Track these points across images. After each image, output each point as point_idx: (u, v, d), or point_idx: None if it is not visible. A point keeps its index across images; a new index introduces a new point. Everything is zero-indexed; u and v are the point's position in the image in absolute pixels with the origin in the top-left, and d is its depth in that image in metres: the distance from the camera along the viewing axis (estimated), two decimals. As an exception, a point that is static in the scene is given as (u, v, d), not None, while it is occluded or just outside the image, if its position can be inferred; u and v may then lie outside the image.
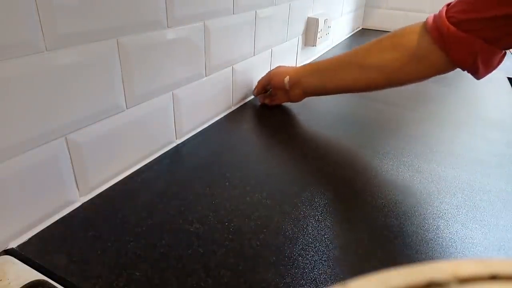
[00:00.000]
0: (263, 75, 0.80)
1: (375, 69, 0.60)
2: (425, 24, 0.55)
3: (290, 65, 1.02)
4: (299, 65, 1.07)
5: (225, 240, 0.42)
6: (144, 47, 0.51)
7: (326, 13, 1.13)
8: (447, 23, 0.51)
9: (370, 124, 0.75)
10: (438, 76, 0.58)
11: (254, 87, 0.83)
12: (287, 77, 0.72)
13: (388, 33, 0.60)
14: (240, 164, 0.58)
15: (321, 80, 0.68)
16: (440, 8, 0.54)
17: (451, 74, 0.90)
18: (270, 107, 0.79)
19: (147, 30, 0.50)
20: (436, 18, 0.53)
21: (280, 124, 0.73)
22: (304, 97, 0.74)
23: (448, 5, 0.52)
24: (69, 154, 0.44)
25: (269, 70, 0.80)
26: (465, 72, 0.54)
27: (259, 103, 0.81)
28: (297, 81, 0.71)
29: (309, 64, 0.71)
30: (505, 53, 0.52)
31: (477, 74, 0.53)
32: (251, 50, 0.79)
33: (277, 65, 0.80)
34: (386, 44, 0.60)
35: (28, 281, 0.35)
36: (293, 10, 0.92)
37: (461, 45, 0.50)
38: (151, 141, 0.58)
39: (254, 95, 0.83)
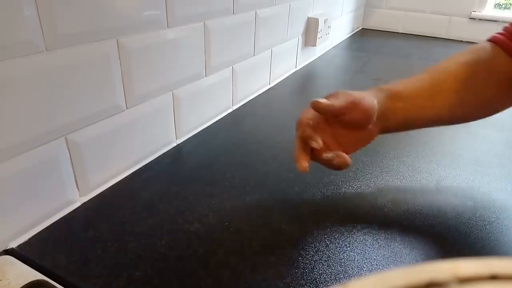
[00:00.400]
0: (263, 75, 0.80)
1: (475, 102, 0.49)
2: (499, 45, 0.47)
3: (285, 68, 1.02)
4: (299, 66, 1.07)
5: (225, 240, 0.42)
6: (144, 47, 0.51)
7: (326, 13, 1.13)
8: None
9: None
10: None
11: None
12: (375, 100, 0.45)
13: (464, 60, 0.49)
14: (240, 164, 0.58)
15: (403, 117, 0.49)
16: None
17: None
18: (274, 107, 0.79)
19: (147, 30, 0.50)
20: (505, 35, 0.47)
21: (280, 124, 0.73)
22: (384, 133, 0.50)
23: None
24: (69, 154, 0.44)
25: (327, 96, 0.47)
26: None
27: (257, 105, 0.81)
28: (378, 116, 0.45)
29: (399, 88, 0.49)
30: None
31: None
32: (251, 50, 0.79)
33: (336, 91, 0.47)
34: (476, 73, 0.48)
35: (28, 281, 0.35)
36: (293, 10, 0.92)
37: None
38: (151, 141, 0.58)
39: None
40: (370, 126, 0.46)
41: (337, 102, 0.44)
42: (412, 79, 0.50)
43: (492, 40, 0.49)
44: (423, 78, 0.50)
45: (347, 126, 0.46)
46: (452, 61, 0.50)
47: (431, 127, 0.52)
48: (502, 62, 0.47)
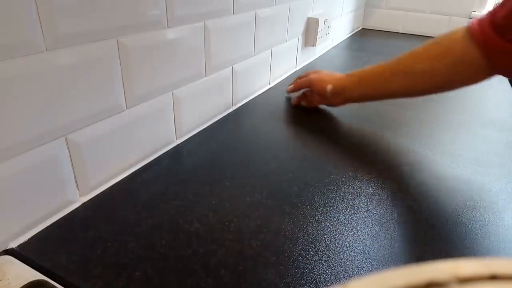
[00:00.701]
0: (263, 75, 0.80)
1: (425, 76, 0.59)
2: (469, 31, 0.53)
3: (285, 68, 1.02)
4: (299, 66, 1.08)
5: (225, 240, 0.42)
6: (144, 47, 0.51)
7: (326, 13, 1.13)
8: (492, 30, 0.49)
9: (370, 124, 0.75)
10: None
11: (289, 84, 0.84)
12: (330, 86, 0.71)
13: (430, 41, 0.60)
14: (240, 164, 0.58)
15: (366, 89, 0.67)
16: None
17: None
18: (274, 108, 0.79)
19: (147, 30, 0.50)
20: (481, 25, 0.51)
21: (280, 124, 0.73)
22: (345, 104, 0.73)
23: (494, 10, 0.50)
24: (69, 154, 0.44)
25: (308, 72, 0.80)
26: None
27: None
28: (340, 90, 0.70)
29: (352, 74, 0.69)
30: None
31: None
32: (251, 50, 0.79)
33: (316, 70, 0.81)
34: (432, 52, 0.59)
35: (28, 281, 0.35)
36: (293, 10, 0.92)
37: (506, 54, 0.49)
38: (151, 141, 0.58)
39: (287, 91, 0.84)
40: (328, 96, 0.72)
41: (301, 82, 0.79)
42: (374, 66, 0.67)
43: (469, 29, 0.54)
44: (382, 65, 0.65)
45: (316, 94, 0.76)
46: (424, 45, 0.60)
47: (389, 99, 0.69)
48: (470, 52, 0.53)
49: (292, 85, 0.83)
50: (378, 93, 0.66)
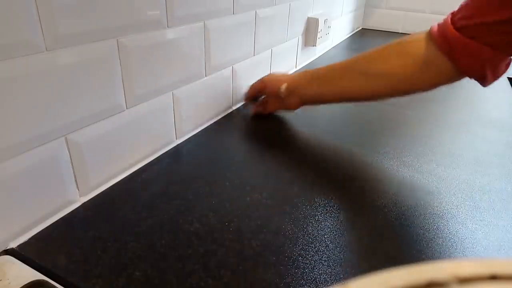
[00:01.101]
0: (263, 75, 0.80)
1: (380, 77, 0.57)
2: (429, 32, 0.53)
3: (285, 68, 1.02)
4: (299, 66, 1.08)
5: (225, 240, 0.42)
6: (144, 47, 0.51)
7: (326, 13, 1.13)
8: (453, 29, 0.49)
9: (370, 124, 0.75)
10: None
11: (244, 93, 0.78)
12: (284, 84, 0.67)
13: (392, 41, 0.58)
14: (240, 164, 0.58)
15: (320, 88, 0.64)
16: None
17: None
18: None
19: (147, 30, 0.50)
20: (441, 25, 0.51)
21: (280, 124, 0.73)
22: (301, 106, 0.69)
23: (453, 13, 0.51)
24: (69, 154, 0.44)
25: (261, 76, 0.75)
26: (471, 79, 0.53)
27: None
28: (294, 89, 0.67)
29: (306, 71, 0.66)
30: (511, 59, 0.50)
31: (485, 81, 0.51)
32: (251, 50, 0.79)
33: (270, 73, 0.80)
34: (390, 51, 0.57)
35: (28, 281, 0.35)
36: (293, 10, 0.92)
37: (468, 52, 0.48)
38: (151, 141, 0.58)
39: (244, 101, 0.79)
40: (283, 96, 0.69)
41: (254, 85, 0.75)
42: (330, 64, 0.63)
43: (430, 30, 0.53)
44: (338, 63, 0.62)
45: (270, 96, 0.73)
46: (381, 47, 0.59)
47: (344, 102, 0.65)
48: (430, 53, 0.52)
49: (247, 94, 0.77)
50: (334, 93, 0.63)
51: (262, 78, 0.74)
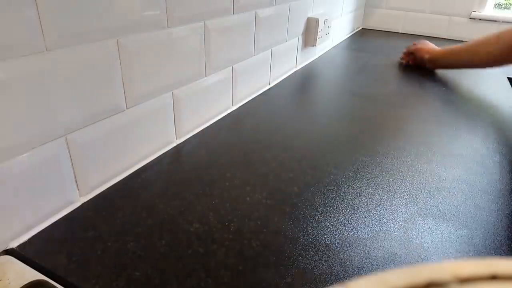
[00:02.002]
0: (263, 75, 0.80)
1: (489, 55, 0.91)
2: None
3: (285, 69, 1.02)
4: (299, 66, 1.08)
5: (225, 240, 0.42)
6: (144, 47, 0.51)
7: (326, 13, 1.13)
8: None
9: (370, 124, 0.75)
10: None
11: None
12: (427, 55, 1.07)
13: (494, 33, 0.89)
14: (240, 164, 0.58)
15: (451, 62, 1.03)
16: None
17: (450, 75, 0.93)
18: (274, 107, 0.79)
19: (147, 30, 0.50)
20: None
21: (280, 124, 0.73)
22: (438, 68, 1.09)
23: None
24: (69, 154, 0.44)
25: (416, 42, 1.15)
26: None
27: (257, 105, 0.81)
28: (434, 59, 1.06)
29: (446, 48, 1.03)
30: None
31: None
32: (251, 50, 0.79)
33: (423, 41, 1.15)
34: (491, 40, 0.90)
35: (28, 281, 0.35)
36: (293, 10, 0.92)
37: None
38: (151, 141, 0.58)
39: (403, 56, 1.19)
40: (425, 62, 1.09)
41: (410, 49, 1.15)
42: (461, 45, 0.99)
43: None
44: (465, 45, 0.98)
45: (417, 58, 1.12)
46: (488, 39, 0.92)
47: (465, 68, 1.07)
48: None
49: (405, 51, 1.18)
50: (461, 65, 1.03)
51: (417, 44, 1.14)
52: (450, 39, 1.51)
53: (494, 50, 0.88)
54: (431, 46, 1.12)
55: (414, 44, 1.16)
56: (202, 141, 0.65)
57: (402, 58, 1.19)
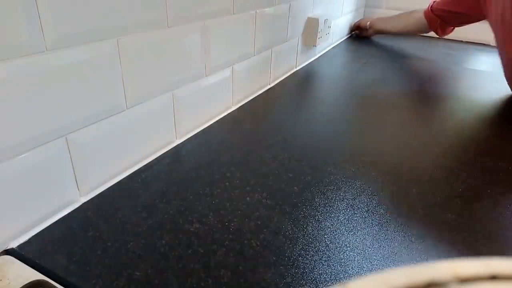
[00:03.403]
0: (263, 75, 0.80)
1: (403, 23, 1.33)
2: (424, 11, 1.22)
3: (285, 69, 1.02)
4: (299, 66, 1.08)
5: (225, 240, 0.42)
6: (144, 47, 0.51)
7: (326, 13, 1.13)
8: (430, 10, 1.19)
9: (370, 124, 0.75)
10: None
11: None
12: (369, 22, 1.43)
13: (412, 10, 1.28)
14: (240, 164, 0.58)
15: (384, 26, 1.39)
16: None
17: (450, 76, 0.94)
18: (274, 108, 0.79)
19: (147, 30, 0.50)
20: (427, 9, 1.20)
21: (280, 124, 0.73)
22: (375, 34, 1.47)
23: (432, 5, 1.18)
24: (69, 154, 0.44)
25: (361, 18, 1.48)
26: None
27: (257, 105, 0.81)
28: (373, 23, 1.42)
29: (380, 18, 1.41)
30: (453, 28, 1.22)
31: (439, 35, 1.23)
32: (251, 50, 0.79)
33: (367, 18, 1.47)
34: (411, 13, 1.29)
35: (28, 281, 0.35)
36: (293, 10, 0.92)
37: (433, 21, 1.19)
38: (151, 141, 0.58)
39: (351, 29, 1.53)
40: (367, 28, 1.46)
41: (356, 22, 1.55)
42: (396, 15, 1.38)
43: (424, 13, 1.22)
44: (398, 15, 1.37)
45: (360, 27, 1.51)
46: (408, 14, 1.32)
47: (397, 34, 1.43)
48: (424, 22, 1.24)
49: (353, 25, 1.54)
50: (394, 29, 1.37)
51: (360, 20, 1.52)
52: (450, 39, 1.51)
53: (411, 20, 1.28)
54: (372, 18, 1.49)
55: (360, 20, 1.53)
56: (202, 141, 0.65)
57: (353, 32, 1.53)
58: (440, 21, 1.15)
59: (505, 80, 0.96)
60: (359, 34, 1.50)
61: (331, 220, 0.46)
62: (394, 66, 1.17)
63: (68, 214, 0.45)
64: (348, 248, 0.42)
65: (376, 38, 1.52)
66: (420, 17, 1.21)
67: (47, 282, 0.35)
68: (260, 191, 0.51)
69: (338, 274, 0.39)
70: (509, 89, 0.96)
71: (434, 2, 1.15)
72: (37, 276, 0.36)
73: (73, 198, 0.47)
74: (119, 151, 0.52)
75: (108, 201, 0.48)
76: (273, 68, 0.92)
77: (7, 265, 0.37)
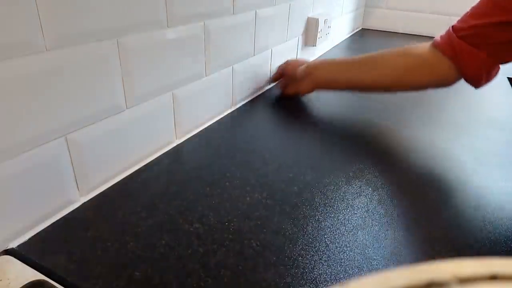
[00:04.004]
0: (263, 75, 0.80)
1: (388, 69, 0.66)
2: (433, 42, 0.63)
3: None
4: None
5: (225, 240, 0.42)
6: (144, 47, 0.51)
7: (326, 13, 1.13)
8: (456, 38, 0.59)
9: (371, 125, 0.75)
10: None
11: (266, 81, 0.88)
12: (304, 65, 0.76)
13: (395, 52, 0.68)
14: (240, 164, 0.58)
15: (334, 74, 0.73)
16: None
17: None
18: (274, 107, 0.79)
19: (147, 30, 0.50)
20: (444, 36, 0.62)
21: (280, 125, 0.73)
22: (313, 89, 0.77)
23: (453, 26, 0.61)
24: (69, 154, 0.44)
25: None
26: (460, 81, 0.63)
27: (257, 105, 0.81)
28: (311, 71, 0.75)
29: (324, 59, 0.77)
30: (500, 67, 0.61)
31: (479, 83, 0.62)
32: (251, 50, 0.79)
33: (295, 58, 0.91)
34: (399, 51, 0.67)
35: (28, 281, 0.35)
36: (293, 10, 0.92)
37: (469, 56, 0.58)
38: (151, 141, 0.58)
39: (271, 82, 0.90)
40: (299, 77, 0.77)
41: (279, 68, 0.86)
42: (345, 57, 0.74)
43: (435, 45, 0.63)
44: (352, 57, 0.72)
45: (288, 77, 0.82)
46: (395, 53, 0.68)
47: (352, 90, 0.77)
48: (438, 62, 0.62)
49: (274, 73, 0.88)
50: (345, 79, 0.71)
51: (287, 60, 0.86)
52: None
53: (400, 63, 0.65)
54: (303, 59, 0.84)
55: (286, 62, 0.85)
56: (202, 141, 0.65)
57: (274, 82, 0.89)
58: (478, 51, 0.57)
59: None
60: (284, 90, 0.84)
61: (331, 220, 0.46)
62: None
63: (68, 214, 0.45)
64: (348, 248, 0.42)
65: (377, 37, 1.52)
66: (425, 53, 0.63)
67: (47, 282, 0.35)
68: (260, 191, 0.51)
69: (338, 274, 0.39)
70: None
71: (454, 28, 0.61)
72: (37, 276, 0.36)
73: (73, 198, 0.47)
74: (119, 151, 0.52)
75: (108, 201, 0.48)
76: (273, 68, 0.92)
77: (7, 265, 0.37)
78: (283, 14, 0.88)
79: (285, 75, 0.83)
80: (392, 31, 1.62)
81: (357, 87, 0.73)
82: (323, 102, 0.84)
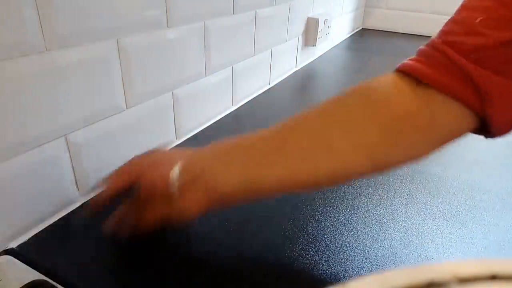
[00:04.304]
0: (263, 75, 0.80)
1: (351, 148, 0.33)
2: (401, 70, 0.38)
3: (285, 69, 1.02)
4: (299, 66, 1.07)
5: (225, 240, 0.42)
6: (144, 47, 0.51)
7: (326, 13, 1.13)
8: (469, 63, 0.31)
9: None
10: None
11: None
12: (178, 165, 0.35)
13: (348, 90, 0.39)
14: (240, 164, 0.57)
15: (249, 170, 0.35)
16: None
17: None
18: (274, 107, 0.79)
19: (147, 30, 0.50)
20: (432, 56, 0.35)
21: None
22: (208, 207, 0.35)
23: (449, 41, 0.35)
24: (69, 154, 0.44)
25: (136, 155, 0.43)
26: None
27: (257, 105, 0.81)
28: (198, 173, 0.35)
29: (217, 143, 0.37)
30: None
31: (492, 133, 0.33)
32: (251, 50, 0.79)
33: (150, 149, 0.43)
34: (356, 109, 0.37)
35: (28, 281, 0.35)
36: (293, 10, 0.92)
37: (503, 91, 0.31)
38: (151, 141, 0.58)
39: (93, 208, 0.39)
40: (174, 190, 0.35)
41: (119, 175, 0.40)
42: (259, 132, 0.38)
43: (402, 70, 0.37)
44: (271, 129, 0.38)
45: (150, 194, 0.37)
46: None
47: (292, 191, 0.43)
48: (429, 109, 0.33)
49: (105, 189, 0.39)
50: (278, 178, 0.34)
51: (133, 158, 0.41)
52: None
53: (367, 130, 0.34)
54: (174, 151, 0.49)
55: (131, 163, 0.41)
56: (202, 141, 0.64)
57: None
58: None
59: None
60: (140, 219, 0.37)
61: (331, 220, 0.46)
62: (395, 66, 1.17)
63: (68, 214, 0.45)
64: (348, 248, 0.42)
65: (377, 37, 1.52)
66: (396, 98, 0.36)
67: (47, 282, 0.35)
68: (260, 191, 0.51)
69: (338, 274, 0.39)
70: None
71: (450, 43, 0.34)
72: (37, 276, 0.36)
73: (73, 198, 0.47)
74: (119, 151, 0.52)
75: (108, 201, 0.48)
76: (273, 68, 0.92)
77: (7, 265, 0.37)
78: (283, 14, 0.88)
79: (142, 188, 0.37)
80: (392, 31, 1.62)
81: (297, 188, 0.36)
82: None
